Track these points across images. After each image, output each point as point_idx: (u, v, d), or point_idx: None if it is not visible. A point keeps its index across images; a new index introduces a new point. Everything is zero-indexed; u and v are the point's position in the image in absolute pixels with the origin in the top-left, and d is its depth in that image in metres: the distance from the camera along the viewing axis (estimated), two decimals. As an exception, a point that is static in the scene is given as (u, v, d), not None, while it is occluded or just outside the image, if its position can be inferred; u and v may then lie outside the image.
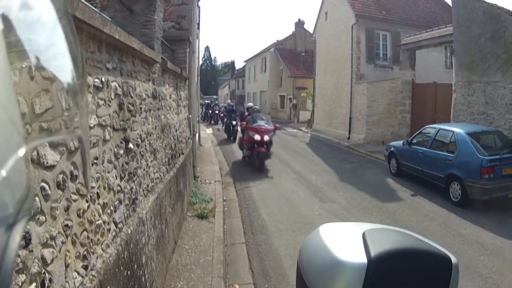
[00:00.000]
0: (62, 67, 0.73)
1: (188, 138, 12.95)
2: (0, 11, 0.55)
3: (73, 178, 3.13)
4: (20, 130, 0.61)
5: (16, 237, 0.54)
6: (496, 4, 15.30)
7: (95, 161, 3.78)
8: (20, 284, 2.24)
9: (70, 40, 0.73)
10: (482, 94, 15.63)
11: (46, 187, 2.64)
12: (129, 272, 4.46)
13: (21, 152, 0.57)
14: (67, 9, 0.76)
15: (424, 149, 13.82)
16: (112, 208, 4.30)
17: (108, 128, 4.26)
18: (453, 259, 1.08)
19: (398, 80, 23.69)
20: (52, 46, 0.70)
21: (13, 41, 0.58)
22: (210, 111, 48.82)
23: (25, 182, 0.61)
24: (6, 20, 0.56)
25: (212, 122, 45.67)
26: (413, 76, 22.98)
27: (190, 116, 13.39)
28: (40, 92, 2.41)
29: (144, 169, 6.05)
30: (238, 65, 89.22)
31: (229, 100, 44.54)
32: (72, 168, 3.09)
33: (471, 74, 16.19)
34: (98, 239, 3.77)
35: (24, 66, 0.67)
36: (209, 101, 58.53)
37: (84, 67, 2.72)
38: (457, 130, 12.56)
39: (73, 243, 3.14)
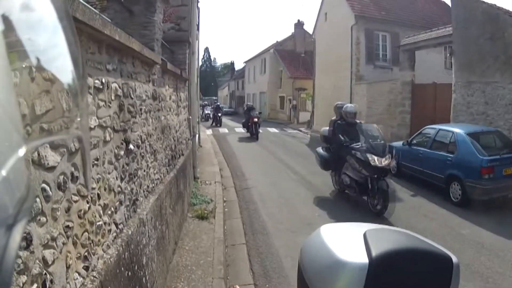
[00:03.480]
0: (63, 68, 0.73)
1: (188, 139, 12.95)
2: (1, 12, 0.56)
3: (74, 179, 3.13)
4: (20, 130, 0.61)
5: (17, 236, 0.54)
6: (495, 5, 15.32)
7: (95, 162, 3.78)
8: (21, 285, 2.25)
9: (70, 41, 0.73)
10: (481, 94, 15.63)
11: (47, 188, 2.65)
12: (130, 273, 4.46)
13: (21, 152, 0.57)
14: (68, 9, 0.76)
15: (424, 149, 13.81)
16: (112, 209, 4.31)
17: (109, 129, 4.26)
18: (454, 259, 1.08)
19: (398, 81, 23.60)
20: (53, 47, 0.71)
21: (13, 42, 0.58)
22: (220, 114, 45.18)
23: (25, 182, 0.61)
24: (7, 20, 0.56)
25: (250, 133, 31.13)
26: (413, 77, 22.90)
27: (190, 117, 13.40)
28: (41, 93, 2.41)
29: (144, 170, 6.05)
30: (238, 66, 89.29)
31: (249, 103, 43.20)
32: (72, 169, 3.09)
33: (470, 75, 16.20)
34: (99, 240, 3.78)
35: (24, 66, 0.67)
36: (218, 103, 56.88)
37: (84, 68, 2.71)
38: (456, 130, 12.56)
39: (74, 244, 3.14)
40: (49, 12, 0.68)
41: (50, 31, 0.70)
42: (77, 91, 0.77)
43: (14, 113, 0.59)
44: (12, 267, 0.53)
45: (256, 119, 30.63)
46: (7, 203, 0.53)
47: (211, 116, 49.25)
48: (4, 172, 0.51)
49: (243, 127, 33.14)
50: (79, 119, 0.80)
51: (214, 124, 44.36)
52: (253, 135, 30.52)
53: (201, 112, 51.18)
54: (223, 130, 38.40)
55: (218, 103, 56.24)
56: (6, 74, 0.56)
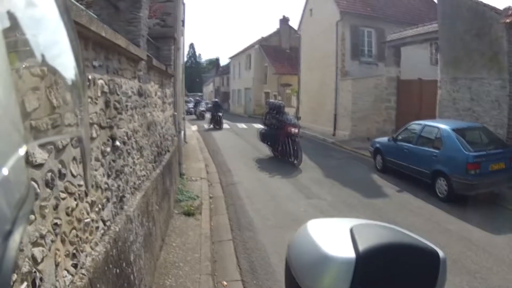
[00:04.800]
0: (66, 64, 0.73)
1: (174, 136, 12.93)
2: (5, 9, 0.55)
3: (62, 176, 3.12)
4: (20, 130, 0.61)
5: (17, 236, 0.54)
6: (481, 1, 15.39)
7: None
8: (11, 283, 2.23)
9: (71, 37, 0.73)
10: (467, 90, 15.74)
11: (35, 185, 2.64)
12: (118, 270, 4.45)
13: (22, 151, 0.57)
14: (68, 6, 0.75)
15: (410, 145, 13.89)
16: (100, 206, 4.29)
17: (95, 126, 4.25)
18: (441, 254, 1.09)
19: (383, 76, 23.76)
20: (55, 43, 0.70)
21: (14, 41, 0.58)
22: (220, 114, 35.95)
23: (25, 182, 0.61)
24: (11, 18, 0.56)
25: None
26: (398, 73, 23.04)
27: (176, 113, 13.37)
28: (38, 88, 2.40)
29: (131, 167, 6.04)
30: (223, 62, 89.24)
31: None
32: (60, 166, 3.08)
33: (456, 71, 16.31)
34: (87, 237, 3.77)
35: (25, 65, 0.67)
36: (217, 99, 44.48)
37: (84, 63, 2.70)
38: (442, 126, 12.65)
39: (63, 241, 3.13)
40: (51, 9, 0.68)
41: (52, 28, 0.69)
42: (80, 87, 0.77)
43: (14, 113, 0.59)
44: (12, 268, 0.53)
45: (295, 130, 17.62)
46: (7, 203, 0.53)
47: (202, 113, 46.65)
48: (4, 172, 0.51)
49: (263, 140, 20.35)
50: (80, 116, 0.79)
51: (213, 125, 35.88)
52: (290, 158, 17.71)
53: (193, 110, 49.82)
54: (192, 121, 38.20)
55: (217, 100, 43.97)
56: (6, 74, 0.56)
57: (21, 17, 0.58)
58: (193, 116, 47.59)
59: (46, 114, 2.47)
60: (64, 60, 0.73)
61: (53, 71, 0.73)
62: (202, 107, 49.64)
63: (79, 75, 0.76)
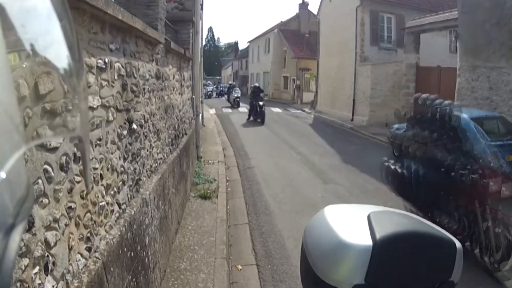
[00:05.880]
0: (58, 56, 0.71)
1: (191, 119, 12.94)
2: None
3: (76, 159, 3.11)
4: (20, 130, 0.60)
5: (16, 237, 0.53)
6: (501, -10, 15.20)
7: (98, 142, 3.78)
8: (23, 268, 2.24)
9: (66, 27, 0.71)
10: (486, 79, 15.54)
11: (49, 169, 2.64)
12: (132, 253, 4.47)
13: (21, 151, 0.56)
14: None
15: (428, 132, 13.75)
16: (115, 189, 4.31)
17: (112, 109, 4.24)
18: (457, 244, 1.10)
19: (402, 63, 23.61)
20: (47, 34, 0.69)
21: (13, 40, 0.57)
22: (262, 103, 27.54)
23: (25, 182, 0.60)
24: (2, 13, 0.54)
25: None
26: (417, 60, 22.88)
27: (194, 96, 13.39)
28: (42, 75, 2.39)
29: (147, 150, 6.05)
30: (242, 45, 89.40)
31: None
32: (75, 149, 3.07)
33: (475, 59, 16.11)
34: (102, 221, 3.78)
35: (24, 66, 0.66)
36: (257, 84, 33.01)
37: (81, 56, 2.72)
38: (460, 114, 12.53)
39: (77, 225, 3.14)
40: (43, 1, 0.66)
41: (44, 19, 0.68)
42: (74, 77, 0.75)
43: (14, 113, 0.58)
44: (12, 268, 0.52)
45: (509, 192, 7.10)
46: (7, 203, 0.53)
47: (237, 101, 40.84)
48: (4, 173, 0.50)
49: (397, 189, 8.74)
50: (78, 117, 0.78)
51: (253, 117, 28.24)
52: (483, 256, 6.74)
53: (226, 97, 48.80)
54: (226, 110, 38.15)
55: (257, 84, 32.56)
56: (6, 73, 0.55)
57: (11, 10, 0.57)
58: (228, 104, 44.69)
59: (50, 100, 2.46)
60: (57, 52, 0.71)
61: (44, 62, 0.71)
62: (236, 93, 42.11)
63: (74, 65, 0.74)
